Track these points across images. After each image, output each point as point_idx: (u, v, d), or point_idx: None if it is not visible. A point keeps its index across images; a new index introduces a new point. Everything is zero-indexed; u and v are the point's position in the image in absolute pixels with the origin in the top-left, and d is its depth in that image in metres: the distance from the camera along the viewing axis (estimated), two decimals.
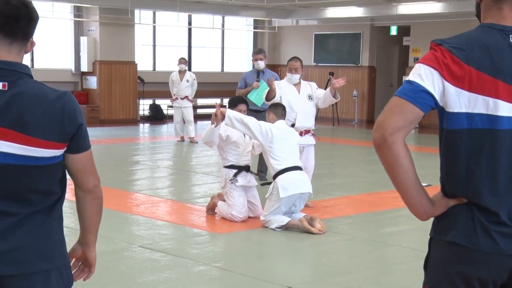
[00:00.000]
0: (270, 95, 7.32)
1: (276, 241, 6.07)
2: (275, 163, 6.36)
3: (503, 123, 1.99)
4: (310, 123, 7.41)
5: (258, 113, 8.50)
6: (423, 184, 2.11)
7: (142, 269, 5.09)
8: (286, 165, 6.34)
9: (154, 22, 18.13)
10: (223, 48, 19.83)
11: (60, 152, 2.12)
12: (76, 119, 2.11)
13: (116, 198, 7.62)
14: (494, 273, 2.02)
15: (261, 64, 9.07)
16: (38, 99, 2.06)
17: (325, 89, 7.65)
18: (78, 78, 17.04)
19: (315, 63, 19.28)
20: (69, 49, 16.90)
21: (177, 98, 13.46)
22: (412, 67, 2.10)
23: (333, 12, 17.50)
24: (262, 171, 8.55)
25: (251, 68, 10.48)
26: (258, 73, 9.09)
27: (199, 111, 17.97)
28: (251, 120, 6.31)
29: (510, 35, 2.02)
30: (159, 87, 17.00)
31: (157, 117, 17.96)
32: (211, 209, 6.94)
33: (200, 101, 18.26)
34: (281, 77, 8.30)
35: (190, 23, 18.84)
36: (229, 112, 6.27)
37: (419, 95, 2.00)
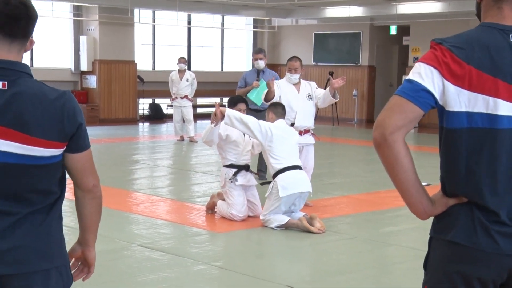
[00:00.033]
0: (268, 96, 7.32)
1: (275, 240, 6.07)
2: (274, 163, 6.36)
3: (503, 122, 1.99)
4: (309, 122, 7.41)
5: (257, 112, 8.51)
6: (423, 184, 2.11)
7: (142, 268, 5.09)
8: (285, 164, 6.34)
9: (154, 21, 18.13)
10: (223, 47, 19.83)
11: (60, 151, 2.12)
12: (75, 118, 2.11)
13: (116, 197, 7.62)
14: (494, 272, 2.02)
15: (261, 64, 9.07)
16: (38, 98, 2.06)
17: (325, 88, 7.65)
18: (78, 77, 17.04)
19: (314, 63, 19.28)
20: (68, 48, 16.90)
21: (176, 98, 13.46)
22: (411, 67, 2.10)
23: (332, 12, 17.50)
24: (262, 171, 8.55)
25: (251, 68, 10.48)
26: (258, 72, 9.09)
27: (199, 110, 17.97)
28: (250, 120, 6.31)
29: (510, 35, 2.02)
30: (159, 86, 17.01)
31: (156, 116, 17.96)
32: (210, 208, 6.94)
33: (200, 101, 18.26)
34: (281, 77, 8.30)
35: (189, 23, 18.84)
36: (228, 111, 6.27)
37: (419, 94, 2.00)
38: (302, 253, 5.76)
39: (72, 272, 2.30)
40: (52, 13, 15.81)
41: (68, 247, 2.27)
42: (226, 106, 6.72)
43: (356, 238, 6.15)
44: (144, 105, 17.97)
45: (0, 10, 2.04)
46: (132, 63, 17.16)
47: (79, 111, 2.14)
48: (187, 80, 13.38)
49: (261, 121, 6.48)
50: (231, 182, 6.61)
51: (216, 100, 17.48)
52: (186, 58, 15.50)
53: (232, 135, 6.60)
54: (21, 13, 2.06)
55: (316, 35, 19.31)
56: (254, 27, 19.98)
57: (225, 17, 19.14)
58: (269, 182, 6.52)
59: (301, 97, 7.37)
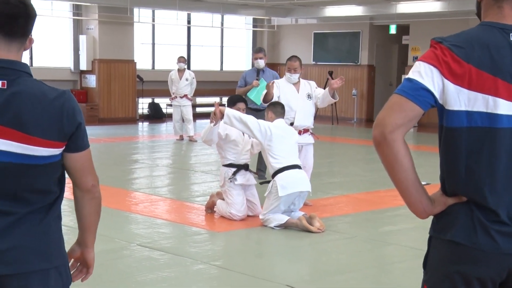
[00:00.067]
0: (267, 98, 7.32)
1: (275, 240, 6.07)
2: (274, 162, 6.36)
3: (502, 121, 1.99)
4: (309, 122, 7.41)
5: (257, 111, 8.51)
6: (422, 183, 2.11)
7: (141, 267, 5.08)
8: (285, 163, 6.34)
9: (153, 20, 18.12)
10: (222, 46, 19.82)
11: (59, 151, 2.11)
12: (75, 118, 2.11)
13: (115, 197, 7.62)
14: (493, 272, 2.02)
15: (261, 63, 9.06)
16: (37, 97, 2.06)
17: (324, 88, 7.65)
18: (77, 77, 17.04)
19: (314, 62, 19.28)
20: (68, 47, 16.89)
21: (176, 97, 13.46)
22: (411, 66, 2.10)
23: (332, 11, 17.50)
24: (261, 170, 8.55)
25: (250, 67, 10.48)
26: (258, 71, 9.08)
27: (198, 109, 17.96)
28: (250, 119, 6.31)
29: (511, 34, 2.02)
30: (158, 85, 17.00)
31: (156, 115, 17.96)
32: (210, 207, 6.94)
33: (199, 100, 18.25)
34: (281, 76, 8.30)
35: (189, 22, 18.84)
36: (228, 110, 6.27)
37: (419, 92, 2.00)
38: (302, 252, 5.76)
39: (71, 272, 2.30)
40: (51, 12, 15.81)
41: (67, 247, 2.27)
42: (226, 105, 6.72)
43: (355, 237, 6.15)
44: (143, 104, 17.96)
45: (0, 10, 2.04)
46: (132, 63, 17.15)
47: (79, 111, 2.14)
48: (187, 80, 13.38)
49: (261, 121, 6.48)
50: (231, 181, 6.61)
51: (216, 99, 17.47)
52: (186, 57, 15.50)
53: (231, 134, 6.60)
54: (20, 12, 2.06)
55: (316, 35, 19.31)
56: (254, 26, 19.98)
57: (224, 16, 19.14)
58: (269, 182, 6.52)
59: (301, 96, 7.37)
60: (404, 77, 2.34)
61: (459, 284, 2.04)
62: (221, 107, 6.29)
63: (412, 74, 2.03)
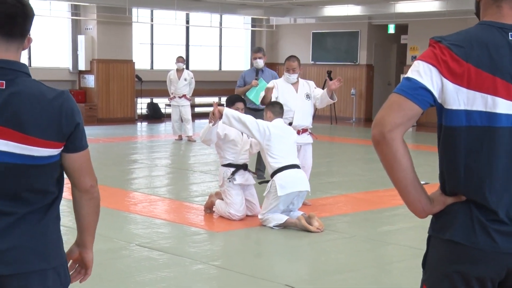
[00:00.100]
0: (265, 100, 7.31)
1: (274, 240, 6.07)
2: (273, 162, 6.36)
3: (501, 120, 1.99)
4: (307, 122, 7.40)
5: (256, 111, 8.51)
6: (421, 182, 2.11)
7: (140, 267, 5.08)
8: (284, 163, 6.34)
9: (152, 20, 18.12)
10: (221, 46, 19.82)
11: (57, 151, 2.11)
12: (73, 118, 2.11)
13: (114, 197, 7.62)
14: (492, 271, 2.02)
15: (260, 63, 9.06)
16: (36, 98, 2.06)
17: (323, 88, 7.65)
18: (76, 77, 17.03)
19: (313, 62, 19.29)
20: (66, 47, 16.88)
21: (175, 97, 13.46)
22: (410, 66, 2.10)
23: (330, 11, 17.51)
24: (260, 170, 8.55)
25: (249, 67, 10.48)
26: (257, 71, 9.08)
27: (197, 109, 17.97)
28: (248, 119, 6.31)
29: (510, 33, 2.02)
30: (157, 85, 17.00)
31: (155, 115, 17.95)
32: (209, 207, 6.94)
33: (198, 100, 18.26)
34: (280, 76, 8.30)
35: (187, 22, 18.84)
36: (226, 110, 6.27)
37: (418, 92, 2.00)
38: (301, 252, 5.76)
39: (70, 273, 2.29)
40: (50, 13, 15.79)
41: (66, 247, 2.27)
42: (224, 105, 6.72)
43: (354, 237, 6.15)
44: (142, 104, 17.96)
45: None
46: (130, 63, 17.15)
47: (77, 111, 2.13)
48: (185, 80, 13.37)
49: (259, 120, 6.48)
50: (229, 181, 6.61)
51: (214, 99, 17.48)
52: (184, 57, 15.49)
53: (230, 134, 6.60)
54: (17, 12, 2.06)
55: (314, 34, 19.31)
56: (252, 26, 19.98)
57: (223, 16, 19.13)
58: (268, 181, 6.52)
59: (300, 96, 7.36)
60: (402, 76, 2.34)
61: (458, 284, 2.04)
62: (219, 107, 6.29)
63: (411, 73, 2.03)
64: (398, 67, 18.71)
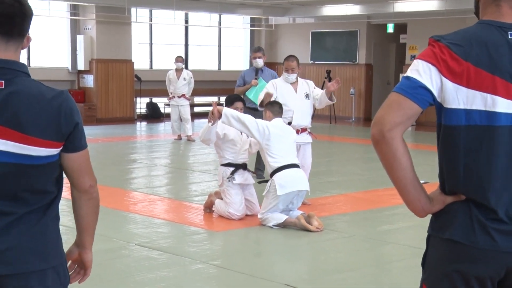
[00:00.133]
0: (262, 104, 7.31)
1: (273, 239, 6.07)
2: (272, 161, 6.36)
3: (500, 119, 1.99)
4: (307, 121, 7.40)
5: (255, 111, 8.50)
6: (421, 181, 2.11)
7: (140, 267, 5.08)
8: (283, 162, 6.34)
9: (151, 20, 18.11)
10: (220, 46, 19.82)
11: (56, 151, 2.11)
12: (72, 118, 2.10)
13: (114, 197, 7.62)
14: (492, 270, 2.02)
15: (260, 62, 9.05)
16: (35, 97, 2.06)
17: (322, 88, 7.66)
18: (75, 77, 17.02)
19: (312, 61, 19.29)
20: (65, 47, 16.88)
21: (174, 97, 13.46)
22: (409, 65, 2.10)
23: (329, 10, 17.51)
24: (260, 169, 8.55)
25: (248, 66, 10.47)
26: (256, 71, 9.08)
27: (196, 109, 17.97)
28: (248, 118, 6.31)
29: (509, 32, 2.02)
30: (156, 85, 16.99)
31: (154, 115, 17.95)
32: (208, 207, 6.94)
33: (197, 99, 18.25)
34: (279, 75, 8.30)
35: (186, 21, 18.83)
36: (226, 110, 6.27)
37: (417, 91, 2.00)
38: (300, 251, 5.76)
39: (69, 274, 2.29)
40: (48, 12, 15.78)
41: (65, 247, 2.26)
42: (224, 104, 6.72)
43: (354, 236, 6.15)
44: (141, 104, 17.95)
45: None
46: (129, 62, 17.14)
47: (76, 111, 2.13)
48: (185, 79, 13.37)
49: (259, 120, 6.48)
50: (229, 181, 6.61)
51: (214, 99, 17.48)
52: (183, 57, 15.50)
53: (229, 133, 6.60)
54: (15, 11, 2.06)
55: (313, 34, 19.31)
56: (251, 25, 19.98)
57: (222, 15, 19.13)
58: (267, 181, 6.52)
59: (299, 96, 7.36)
60: (401, 75, 2.34)
61: (458, 283, 2.04)
62: (219, 107, 6.30)
63: (410, 72, 2.03)
64: (397, 67, 18.71)
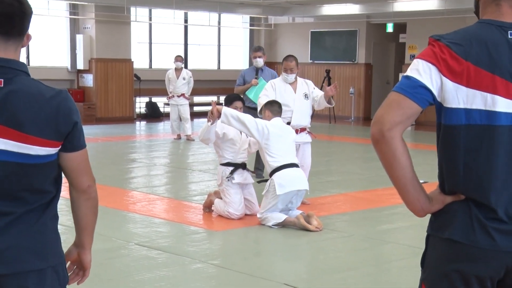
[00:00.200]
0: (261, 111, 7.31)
1: (273, 239, 6.07)
2: (271, 160, 6.36)
3: (500, 119, 1.99)
4: (306, 121, 7.39)
5: (255, 110, 8.49)
6: (420, 181, 2.10)
7: (139, 267, 5.08)
8: (282, 162, 6.34)
9: (150, 19, 18.11)
10: (219, 45, 19.82)
11: (55, 150, 2.11)
12: (71, 117, 2.10)
13: (113, 196, 7.62)
14: (491, 270, 2.02)
15: (260, 62, 9.04)
16: (34, 96, 2.05)
17: (321, 88, 7.65)
18: (74, 76, 17.02)
19: (311, 61, 19.28)
20: (65, 47, 16.87)
21: (173, 96, 13.45)
22: (408, 64, 2.10)
23: (329, 9, 17.51)
24: (259, 169, 8.54)
25: (247, 66, 10.47)
26: (256, 70, 9.07)
27: (196, 108, 17.97)
28: (247, 118, 6.31)
29: (509, 31, 2.02)
30: (156, 84, 16.99)
31: (153, 115, 17.94)
32: (208, 206, 6.94)
33: (197, 99, 18.25)
34: (279, 75, 8.30)
35: (186, 21, 18.83)
36: (225, 109, 6.27)
37: (417, 90, 2.00)
38: (300, 251, 5.76)
39: (68, 275, 2.29)
40: (48, 12, 15.77)
41: (64, 246, 2.26)
42: (223, 104, 6.72)
43: (353, 236, 6.15)
44: (141, 103, 17.95)
45: None
46: (129, 62, 17.14)
47: (75, 110, 2.13)
48: (184, 79, 13.37)
49: (258, 119, 6.48)
50: (228, 180, 6.61)
51: (213, 98, 17.48)
52: (183, 56, 15.49)
53: (229, 133, 6.60)
54: (15, 10, 2.05)
55: (313, 33, 19.31)
56: (251, 25, 19.97)
57: (221, 15, 19.13)
58: (266, 180, 6.52)
59: (298, 96, 7.35)
60: (401, 75, 2.34)
61: (457, 282, 2.04)
62: (218, 106, 6.29)
63: (410, 71, 2.03)
64: (397, 66, 18.71)
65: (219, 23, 19.51)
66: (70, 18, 16.69)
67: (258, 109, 7.24)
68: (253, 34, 20.15)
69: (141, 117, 17.81)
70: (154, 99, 18.08)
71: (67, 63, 16.91)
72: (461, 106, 2.00)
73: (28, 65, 15.66)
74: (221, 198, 6.74)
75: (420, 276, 2.18)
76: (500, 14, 2.06)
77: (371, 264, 5.39)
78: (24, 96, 2.04)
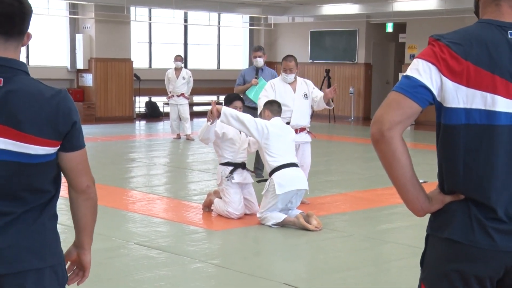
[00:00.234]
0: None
1: (272, 238, 6.07)
2: (271, 160, 6.36)
3: (500, 118, 1.99)
4: (305, 121, 7.39)
5: (255, 110, 8.49)
6: (420, 181, 2.10)
7: (139, 266, 5.08)
8: (282, 161, 6.34)
9: (150, 19, 18.10)
10: (219, 45, 19.81)
11: (54, 150, 2.10)
12: (70, 117, 2.10)
13: (112, 196, 7.62)
14: (491, 269, 2.02)
15: (260, 61, 9.03)
16: (33, 96, 2.05)
17: (321, 88, 7.65)
18: (74, 76, 17.02)
19: (311, 60, 19.28)
20: (64, 46, 16.87)
21: (173, 96, 13.45)
22: (408, 64, 2.10)
23: (329, 9, 17.51)
24: (259, 168, 8.54)
25: (247, 65, 10.47)
26: (257, 70, 9.07)
27: (195, 108, 17.96)
28: (246, 117, 6.31)
29: (509, 31, 2.02)
30: (155, 84, 16.99)
31: (153, 114, 17.94)
32: (207, 206, 6.94)
33: (196, 99, 18.25)
34: (279, 74, 8.30)
35: (186, 20, 18.83)
36: (225, 109, 6.27)
37: (417, 90, 2.00)
38: (299, 250, 5.76)
39: (68, 275, 2.28)
40: (48, 11, 15.77)
41: (64, 246, 2.26)
42: (223, 104, 6.72)
43: (352, 235, 6.15)
44: (140, 103, 17.95)
45: None
46: (129, 61, 17.13)
47: (75, 110, 2.13)
48: (184, 78, 13.37)
49: (258, 119, 6.48)
50: (228, 180, 6.61)
51: (213, 98, 17.48)
52: (183, 56, 15.49)
53: (228, 133, 6.59)
54: (14, 11, 2.05)
55: (313, 33, 19.31)
56: (251, 24, 19.97)
57: (221, 14, 19.13)
58: (266, 180, 6.52)
59: (297, 96, 7.35)
60: (401, 75, 2.34)
61: (457, 282, 2.04)
62: (218, 106, 6.29)
63: (410, 71, 2.03)
64: (397, 66, 18.71)
65: (219, 22, 19.51)
66: (70, 18, 16.69)
67: (259, 112, 7.24)
68: (252, 34, 20.15)
69: (141, 116, 17.81)
70: (153, 99, 18.08)
71: (66, 63, 16.91)
72: (461, 105, 2.00)
73: (28, 64, 15.66)
74: (220, 198, 6.74)
75: (419, 276, 2.18)
76: (500, 14, 2.06)
77: (371, 263, 5.39)
78: (23, 96, 2.04)
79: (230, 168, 6.65)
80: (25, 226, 2.09)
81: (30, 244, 2.10)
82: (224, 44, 19.92)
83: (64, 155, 2.13)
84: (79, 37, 16.56)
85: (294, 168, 6.38)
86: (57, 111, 2.07)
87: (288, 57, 7.49)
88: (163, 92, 14.64)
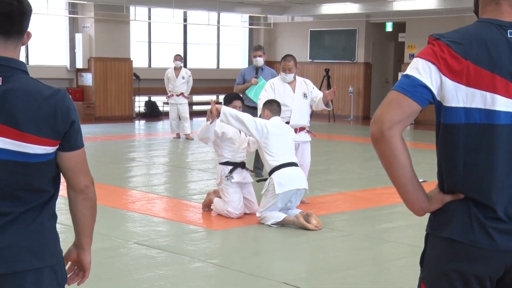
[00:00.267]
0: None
1: (272, 238, 6.07)
2: (270, 159, 6.36)
3: (500, 118, 1.99)
4: (305, 121, 7.38)
5: (254, 109, 8.49)
6: (419, 180, 2.10)
7: (138, 266, 5.08)
8: (281, 161, 6.34)
9: (150, 18, 18.10)
10: (219, 44, 19.81)
11: (52, 149, 2.10)
12: (69, 116, 2.10)
13: (112, 195, 7.61)
14: (491, 269, 2.02)
15: (260, 61, 9.03)
16: (32, 95, 2.05)
17: (320, 87, 7.65)
18: (73, 75, 17.01)
19: (310, 60, 19.28)
20: (64, 45, 16.86)
21: (172, 95, 13.45)
22: (407, 64, 2.10)
23: (328, 9, 17.51)
24: (259, 168, 8.54)
25: (247, 65, 10.46)
26: (257, 69, 9.07)
27: (195, 107, 17.96)
28: (246, 117, 6.31)
29: (508, 30, 2.02)
30: (155, 83, 16.98)
31: (152, 114, 17.94)
32: (207, 205, 6.94)
33: (196, 98, 18.25)
34: (278, 74, 8.30)
35: (185, 20, 18.82)
36: (224, 108, 6.27)
37: (417, 89, 2.00)
38: (299, 250, 5.76)
39: (68, 276, 2.28)
40: (47, 10, 15.77)
41: (63, 245, 2.25)
42: (222, 103, 6.71)
43: (352, 235, 6.15)
44: (140, 102, 17.95)
45: None
46: (128, 61, 17.13)
47: (73, 109, 2.12)
48: (183, 78, 13.37)
49: (257, 118, 6.48)
50: (227, 179, 6.61)
51: (212, 97, 17.48)
52: (182, 55, 15.49)
53: (228, 132, 6.59)
54: (14, 10, 2.05)
55: (312, 32, 19.31)
56: (250, 24, 19.97)
57: (221, 14, 19.12)
58: (265, 179, 6.52)
59: (297, 95, 7.34)
60: (400, 74, 2.33)
61: (457, 282, 2.04)
62: (217, 105, 6.29)
63: (410, 70, 2.03)
64: (396, 65, 18.71)
65: (218, 22, 19.50)
66: (69, 17, 16.68)
67: (259, 113, 7.24)
68: (252, 33, 20.15)
69: (140, 116, 17.81)
70: (153, 98, 18.08)
71: (66, 62, 16.90)
72: (461, 105, 2.00)
73: (27, 64, 15.66)
74: (220, 197, 6.73)
75: (419, 275, 2.18)
76: (500, 13, 2.05)
77: (371, 263, 5.39)
78: (22, 95, 2.04)
79: (230, 167, 6.64)
80: (24, 226, 2.09)
81: (29, 244, 2.10)
82: (223, 43, 19.92)
83: (63, 154, 2.13)
84: (78, 37, 16.56)
85: (293, 167, 6.38)
86: (56, 110, 2.07)
87: (287, 56, 7.48)
88: (162, 91, 14.64)
